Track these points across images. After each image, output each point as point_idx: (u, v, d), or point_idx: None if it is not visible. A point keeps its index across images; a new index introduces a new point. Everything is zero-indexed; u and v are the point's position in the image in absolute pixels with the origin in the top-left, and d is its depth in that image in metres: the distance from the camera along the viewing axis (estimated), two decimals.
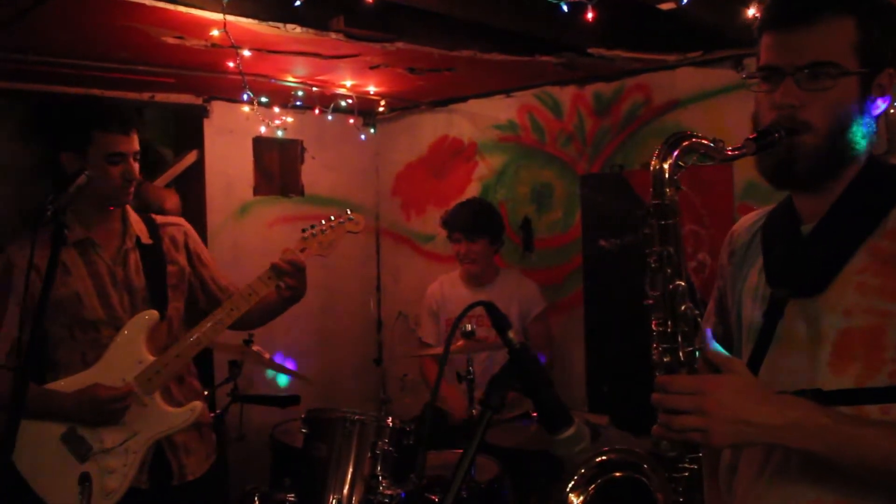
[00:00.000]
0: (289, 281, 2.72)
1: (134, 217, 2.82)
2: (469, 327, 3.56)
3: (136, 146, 2.70)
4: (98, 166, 2.58)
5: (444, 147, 5.57)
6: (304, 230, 2.79)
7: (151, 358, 2.62)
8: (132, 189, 2.71)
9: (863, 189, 1.49)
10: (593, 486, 1.60)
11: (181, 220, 2.98)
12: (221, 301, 2.81)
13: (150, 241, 2.79)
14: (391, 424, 3.11)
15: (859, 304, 1.42)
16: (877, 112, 1.50)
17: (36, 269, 2.50)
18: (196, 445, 2.79)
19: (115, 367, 2.60)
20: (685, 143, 1.44)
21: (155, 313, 2.67)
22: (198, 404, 2.69)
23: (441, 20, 3.68)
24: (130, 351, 2.62)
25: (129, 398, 2.55)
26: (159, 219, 2.91)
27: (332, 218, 2.80)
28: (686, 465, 1.45)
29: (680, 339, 1.43)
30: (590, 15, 2.97)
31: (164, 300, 2.75)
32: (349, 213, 2.82)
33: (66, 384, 2.59)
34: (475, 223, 4.36)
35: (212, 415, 2.97)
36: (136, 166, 2.70)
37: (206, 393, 2.95)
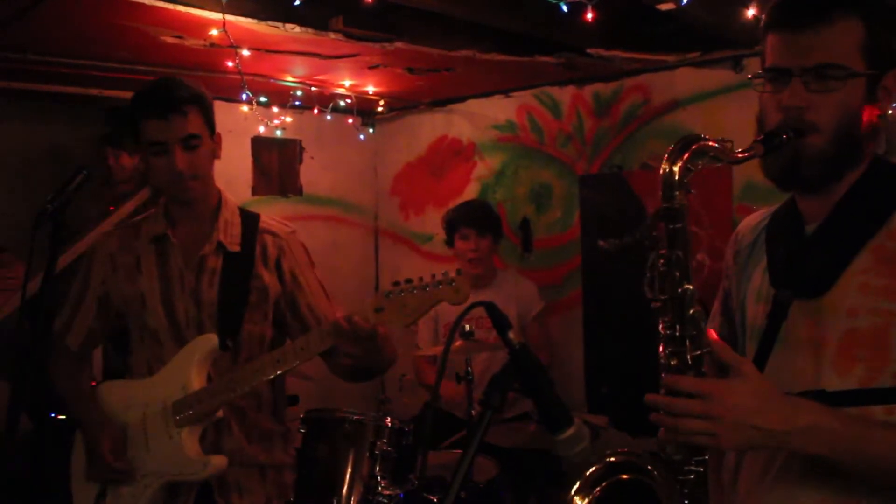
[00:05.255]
0: (347, 348, 2.11)
1: (228, 216, 2.43)
2: (468, 328, 3.56)
3: (184, 131, 2.28)
4: (147, 160, 2.34)
5: (442, 147, 5.57)
6: (395, 283, 2.09)
7: (196, 387, 2.26)
8: (186, 183, 2.31)
9: (866, 189, 1.48)
10: (598, 488, 1.59)
11: (284, 231, 2.49)
12: None
13: (237, 249, 2.38)
14: (390, 424, 3.10)
15: (863, 305, 1.42)
16: (882, 113, 1.49)
17: (111, 258, 2.39)
18: (254, 487, 2.39)
19: (163, 387, 2.30)
20: (695, 146, 1.43)
21: (214, 339, 2.28)
22: (217, 460, 2.26)
23: (440, 20, 3.68)
24: (181, 373, 2.29)
25: (121, 465, 2.27)
26: (264, 222, 2.47)
27: (435, 276, 2.08)
28: (692, 468, 1.45)
29: (688, 342, 1.42)
30: (589, 15, 2.97)
31: (236, 321, 2.34)
32: (459, 272, 2.08)
33: (112, 388, 2.40)
34: (485, 219, 4.38)
35: (290, 462, 2.56)
36: (189, 155, 2.29)
37: (282, 431, 2.53)
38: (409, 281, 2.08)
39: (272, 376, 2.23)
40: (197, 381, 2.27)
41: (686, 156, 1.43)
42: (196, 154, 2.32)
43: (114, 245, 2.43)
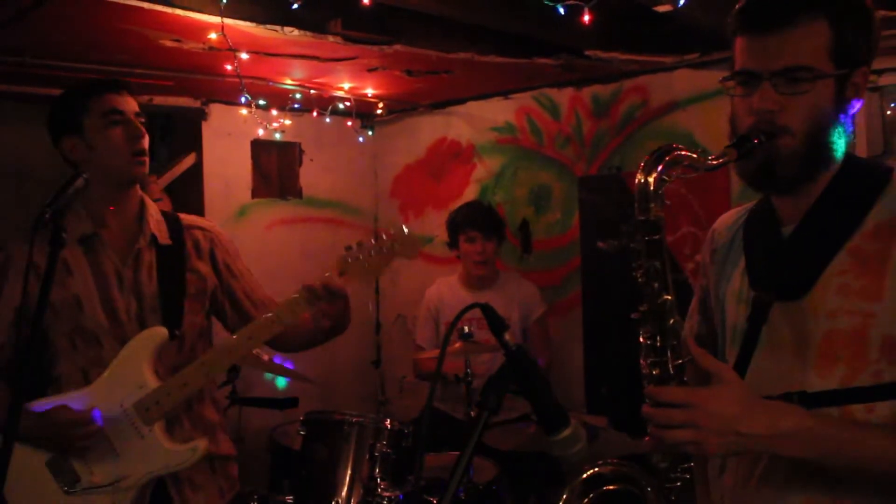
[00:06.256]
0: (325, 307, 2.27)
1: (153, 212, 2.47)
2: (466, 329, 3.56)
3: (136, 107, 2.38)
4: (99, 134, 2.31)
5: (442, 149, 5.57)
6: (347, 248, 2.26)
7: (154, 383, 2.26)
8: (143, 157, 2.35)
9: (841, 190, 1.49)
10: (586, 500, 1.61)
11: (211, 225, 2.60)
12: (255, 319, 2.43)
13: (168, 242, 2.43)
14: (389, 426, 3.11)
15: (842, 306, 1.43)
16: (853, 111, 1.50)
17: (35, 269, 2.23)
18: (205, 480, 2.43)
19: (114, 390, 2.26)
20: (668, 157, 1.45)
21: (163, 331, 2.30)
22: (201, 443, 2.29)
23: (439, 22, 3.69)
24: (133, 372, 2.26)
25: (93, 426, 2.21)
26: (186, 219, 2.55)
27: (384, 237, 2.26)
28: (678, 475, 1.46)
29: (669, 353, 1.44)
30: (587, 17, 2.97)
31: (178, 312, 2.37)
32: (405, 231, 2.26)
33: (46, 402, 2.26)
34: (490, 221, 4.38)
35: (234, 453, 2.60)
36: (142, 128, 2.36)
37: (221, 422, 2.57)
38: (360, 244, 2.26)
39: (244, 354, 2.30)
40: (151, 378, 2.27)
41: (660, 167, 1.44)
42: (144, 133, 2.38)
43: (32, 252, 2.20)
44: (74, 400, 2.26)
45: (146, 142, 2.38)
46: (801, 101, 1.43)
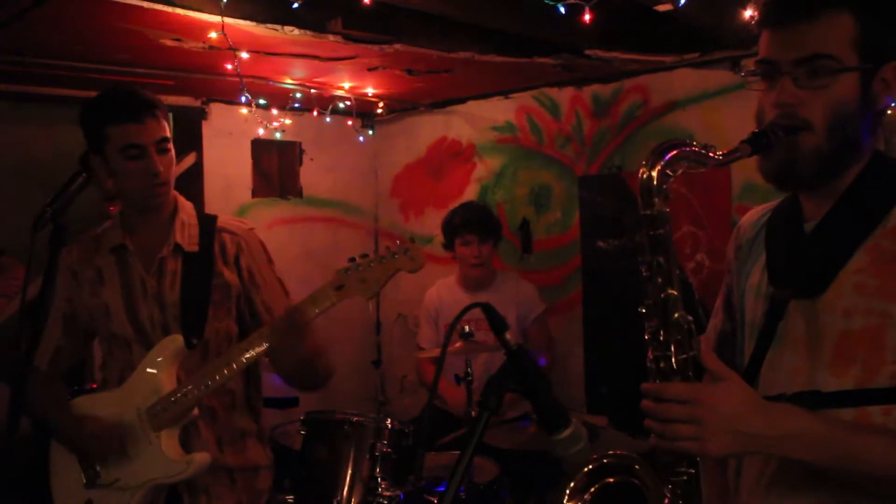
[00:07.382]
0: (284, 340, 2.17)
1: (185, 219, 2.44)
2: (467, 329, 3.56)
3: (158, 134, 2.31)
4: (118, 164, 2.29)
5: (442, 148, 5.57)
6: (350, 259, 2.15)
7: (166, 390, 2.27)
8: (161, 188, 2.34)
9: (865, 187, 1.46)
10: (590, 491, 1.59)
11: (243, 230, 2.51)
12: None
13: (195, 249, 2.39)
14: (390, 426, 3.11)
15: (858, 305, 1.40)
16: (881, 107, 1.46)
17: (73, 274, 2.37)
18: (223, 492, 2.38)
19: (135, 394, 2.30)
20: (674, 152, 1.41)
21: (179, 339, 2.30)
22: (198, 457, 2.26)
23: (439, 22, 3.69)
24: (151, 378, 2.29)
25: (115, 437, 2.27)
26: (221, 222, 2.49)
27: (388, 248, 2.17)
28: (684, 469, 1.44)
29: (673, 347, 1.41)
30: (587, 16, 2.97)
31: (201, 319, 2.35)
32: (412, 241, 2.20)
33: (84, 402, 2.39)
34: (486, 224, 4.36)
35: (265, 463, 2.52)
36: (163, 158, 2.32)
37: (257, 430, 2.52)
38: (364, 256, 2.15)
39: (224, 380, 2.24)
40: (167, 384, 2.28)
41: (664, 161, 1.41)
42: (167, 158, 2.34)
43: (74, 259, 2.41)
44: (104, 399, 2.37)
45: (166, 171, 2.34)
46: (822, 94, 1.40)
